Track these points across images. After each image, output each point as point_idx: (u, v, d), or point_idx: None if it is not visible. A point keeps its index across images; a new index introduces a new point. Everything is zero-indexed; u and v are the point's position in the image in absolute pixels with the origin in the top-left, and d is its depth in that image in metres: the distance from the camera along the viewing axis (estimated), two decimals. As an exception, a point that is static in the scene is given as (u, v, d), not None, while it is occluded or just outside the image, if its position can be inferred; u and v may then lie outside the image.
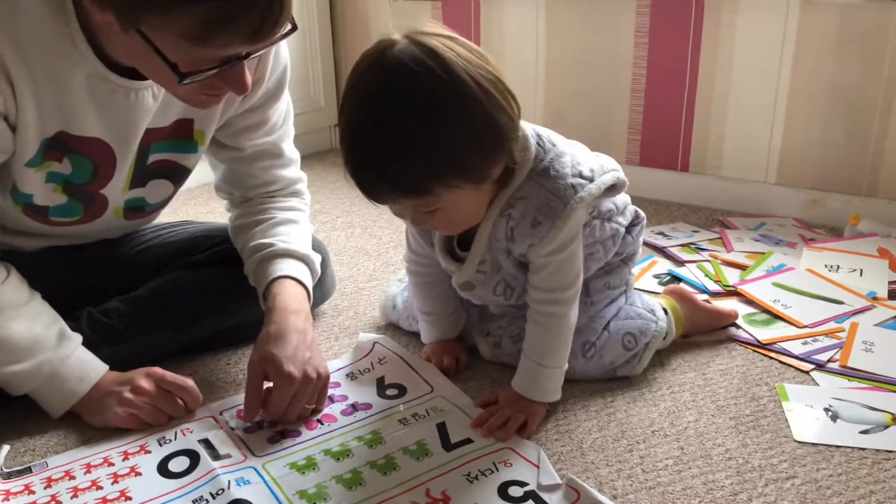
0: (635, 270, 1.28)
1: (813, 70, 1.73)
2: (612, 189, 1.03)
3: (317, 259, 1.19)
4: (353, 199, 2.02)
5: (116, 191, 1.07)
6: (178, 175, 1.14)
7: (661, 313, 1.17)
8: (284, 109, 1.18)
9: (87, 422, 1.04)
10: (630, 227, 1.15)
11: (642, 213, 1.18)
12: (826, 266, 1.46)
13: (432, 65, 0.85)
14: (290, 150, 1.23)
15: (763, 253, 1.55)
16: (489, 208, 1.01)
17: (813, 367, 1.15)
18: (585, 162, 1.02)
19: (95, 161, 1.01)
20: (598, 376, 1.12)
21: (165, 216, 1.31)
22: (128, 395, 1.02)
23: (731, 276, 1.45)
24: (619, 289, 1.17)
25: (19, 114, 0.91)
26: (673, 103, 1.93)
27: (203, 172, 1.24)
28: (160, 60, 0.81)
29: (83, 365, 1.03)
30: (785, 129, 1.80)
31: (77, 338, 1.05)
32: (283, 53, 1.11)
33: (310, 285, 1.15)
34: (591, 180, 1.00)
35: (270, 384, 1.01)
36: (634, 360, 1.12)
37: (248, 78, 0.88)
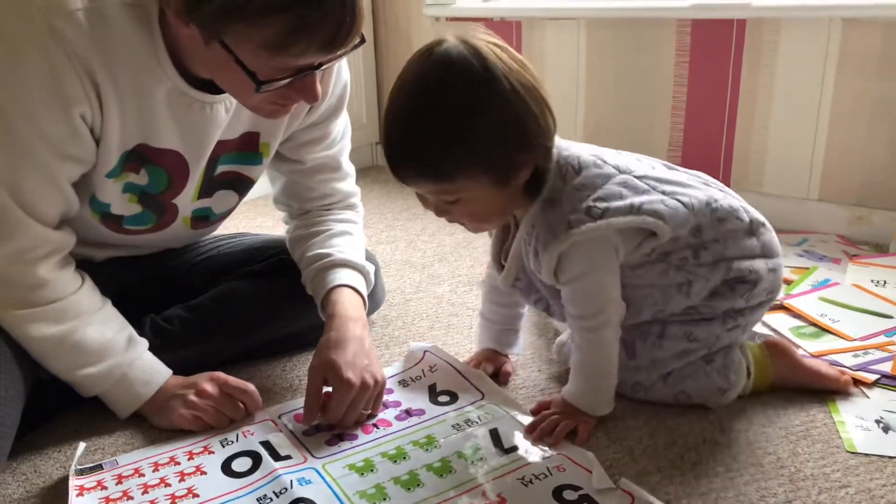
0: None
1: (855, 87, 1.73)
2: (650, 236, 1.00)
3: (371, 269, 1.23)
4: (396, 215, 2.07)
5: (186, 201, 1.12)
6: (242, 186, 1.18)
7: (739, 380, 1.07)
8: (344, 124, 1.23)
9: (152, 423, 1.08)
10: (735, 284, 1.04)
11: (761, 273, 1.05)
12: (872, 281, 1.46)
13: (473, 62, 0.90)
14: (347, 164, 1.27)
15: (807, 268, 1.55)
16: (519, 226, 1.04)
17: (876, 377, 1.14)
18: (614, 196, 0.98)
19: (170, 172, 1.06)
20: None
21: (222, 227, 1.35)
22: (192, 397, 1.06)
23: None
24: (702, 348, 1.06)
25: (104, 126, 0.96)
26: (714, 120, 1.94)
27: (257, 186, 1.28)
28: (239, 70, 0.86)
29: (149, 369, 1.08)
30: (827, 145, 1.81)
31: (144, 343, 1.09)
32: (344, 70, 1.16)
33: (365, 294, 1.19)
34: (599, 217, 0.96)
35: (329, 389, 1.04)
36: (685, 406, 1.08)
37: (319, 88, 0.93)
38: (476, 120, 0.91)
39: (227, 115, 1.05)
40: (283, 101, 0.94)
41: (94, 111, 0.94)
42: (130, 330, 1.09)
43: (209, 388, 1.07)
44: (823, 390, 1.11)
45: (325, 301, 1.14)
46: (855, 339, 1.27)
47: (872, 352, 1.22)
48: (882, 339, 1.26)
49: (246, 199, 1.24)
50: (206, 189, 1.14)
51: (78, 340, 1.02)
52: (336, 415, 1.03)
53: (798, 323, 1.33)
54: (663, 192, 1.01)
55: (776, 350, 1.12)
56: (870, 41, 1.69)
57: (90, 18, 0.89)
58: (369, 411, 1.07)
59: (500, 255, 1.13)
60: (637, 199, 0.99)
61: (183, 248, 1.31)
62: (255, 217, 2.05)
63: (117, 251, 1.19)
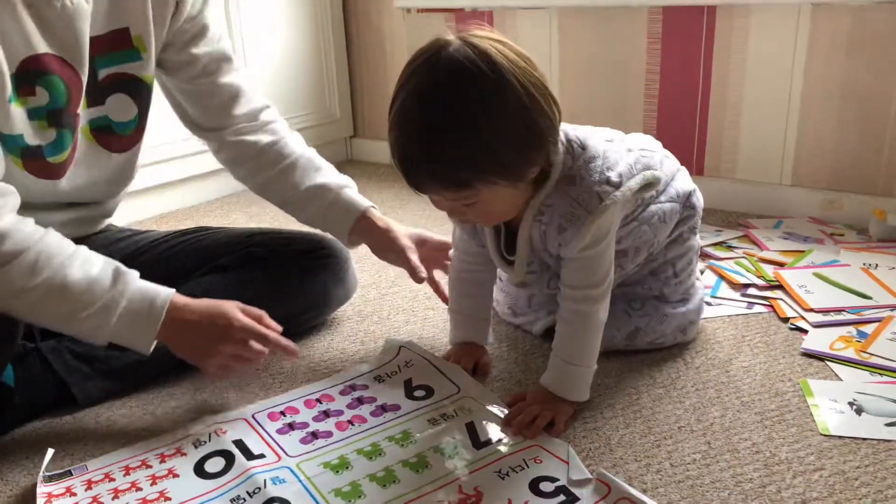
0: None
1: (825, 72, 1.74)
2: (647, 187, 1.06)
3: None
4: (372, 209, 2.05)
5: (81, 111, 1.10)
6: (135, 88, 1.15)
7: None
8: (221, 34, 1.24)
9: (184, 358, 1.07)
10: (688, 219, 1.18)
11: (697, 203, 1.19)
12: (865, 264, 1.49)
13: (483, 67, 0.89)
14: (241, 78, 1.27)
15: (802, 251, 1.58)
16: (525, 212, 1.04)
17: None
18: (617, 164, 1.03)
19: (65, 80, 1.04)
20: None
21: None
22: (233, 330, 1.04)
23: (770, 272, 1.48)
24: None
25: None
26: (687, 108, 1.95)
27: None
28: None
29: (148, 293, 1.02)
30: (799, 131, 1.82)
31: (133, 273, 1.03)
32: (213, 25, 1.20)
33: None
34: (619, 186, 1.01)
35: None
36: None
37: None
38: (493, 128, 0.90)
39: (88, 5, 1.03)
40: None
41: None
42: (115, 263, 1.02)
43: (242, 319, 1.05)
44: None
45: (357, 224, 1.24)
46: (811, 309, 1.32)
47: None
48: (845, 315, 1.31)
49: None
50: (95, 96, 1.11)
51: (60, 285, 0.95)
52: None
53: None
54: (635, 150, 1.10)
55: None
56: (838, 26, 1.70)
57: None
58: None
59: (500, 252, 1.12)
60: (631, 159, 1.06)
61: (149, 244, 1.28)
62: (229, 213, 2.02)
63: (64, 213, 1.15)
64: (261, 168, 1.27)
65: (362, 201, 1.27)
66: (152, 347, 1.03)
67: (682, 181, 1.19)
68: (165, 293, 1.03)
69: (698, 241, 1.24)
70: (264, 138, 1.26)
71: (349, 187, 1.28)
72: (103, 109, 1.14)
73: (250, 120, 1.27)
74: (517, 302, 1.31)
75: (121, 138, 1.19)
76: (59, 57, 1.02)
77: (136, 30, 1.12)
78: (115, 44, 1.10)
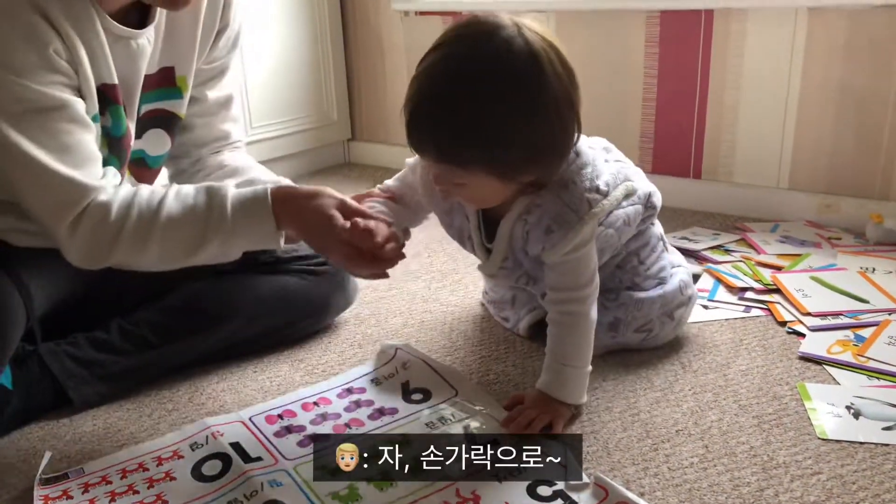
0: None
1: (822, 75, 1.75)
2: (626, 197, 1.09)
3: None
4: (369, 212, 2.05)
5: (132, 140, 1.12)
6: (171, 124, 1.18)
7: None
8: (234, 62, 1.26)
9: (308, 242, 1.05)
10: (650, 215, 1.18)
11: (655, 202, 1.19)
12: (862, 268, 1.49)
13: (529, 67, 0.89)
14: (237, 106, 1.29)
15: (799, 255, 1.58)
16: (510, 209, 1.04)
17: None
18: (602, 173, 1.05)
19: (125, 111, 1.06)
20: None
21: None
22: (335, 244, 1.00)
23: (768, 276, 1.49)
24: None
25: (77, 65, 0.96)
26: (684, 111, 1.95)
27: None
28: None
29: (247, 201, 1.00)
30: (796, 135, 1.82)
31: (224, 187, 1.01)
32: (238, 14, 1.20)
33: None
34: (606, 195, 1.03)
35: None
36: None
37: None
38: (514, 127, 0.90)
39: (150, 46, 1.06)
40: None
41: (63, 47, 0.94)
42: (206, 184, 1.03)
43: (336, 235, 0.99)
44: None
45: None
46: (808, 313, 1.32)
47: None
48: (842, 319, 1.31)
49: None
50: (136, 131, 1.12)
51: (171, 226, 0.98)
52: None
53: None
54: (611, 160, 1.14)
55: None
56: (835, 30, 1.71)
57: None
58: None
59: (481, 238, 1.12)
60: (614, 169, 1.09)
61: None
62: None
63: None
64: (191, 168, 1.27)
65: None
66: (282, 238, 1.01)
67: (643, 184, 1.18)
68: (262, 186, 1.01)
69: (657, 227, 1.24)
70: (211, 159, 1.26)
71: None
72: (140, 143, 1.15)
73: (210, 153, 1.27)
74: (503, 297, 1.32)
75: (150, 170, 1.21)
76: (120, 89, 1.04)
77: (182, 70, 1.13)
78: (161, 82, 1.12)
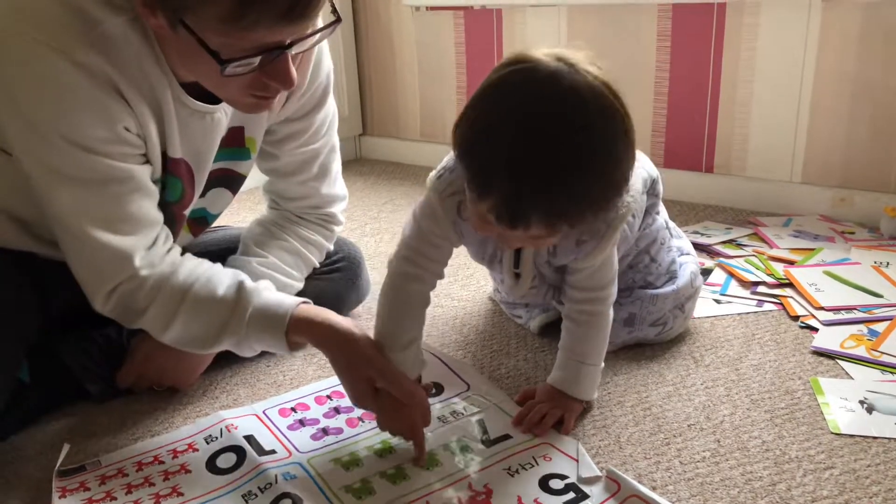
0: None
1: (836, 69, 1.74)
2: (647, 186, 1.07)
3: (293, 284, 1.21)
4: (380, 207, 2.06)
5: (189, 207, 1.11)
6: (234, 183, 1.17)
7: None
8: (327, 117, 1.19)
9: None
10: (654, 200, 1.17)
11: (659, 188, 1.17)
12: (876, 262, 1.49)
13: (606, 114, 0.82)
14: (329, 162, 1.23)
15: (812, 249, 1.57)
16: None
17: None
18: None
19: (184, 182, 1.05)
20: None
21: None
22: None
23: (780, 270, 1.48)
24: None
25: (146, 135, 0.96)
26: (696, 105, 1.94)
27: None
28: (204, 53, 0.83)
29: (268, 314, 1.00)
30: (809, 128, 1.81)
31: (255, 289, 1.01)
32: (325, 60, 1.13)
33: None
34: (628, 191, 0.95)
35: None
36: None
37: (293, 71, 0.88)
38: (613, 169, 0.84)
39: (226, 119, 1.04)
40: (259, 90, 0.91)
41: (135, 122, 0.94)
42: (242, 277, 1.03)
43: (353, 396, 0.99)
44: None
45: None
46: (822, 308, 1.32)
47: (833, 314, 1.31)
48: (856, 313, 1.30)
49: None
50: (202, 191, 1.12)
51: (194, 314, 1.00)
52: None
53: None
54: None
55: None
56: (849, 22, 1.69)
57: (102, 42, 0.88)
58: None
59: (510, 267, 1.09)
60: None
61: None
62: (239, 212, 2.03)
63: None
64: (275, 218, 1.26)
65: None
66: (291, 352, 1.02)
67: (648, 169, 1.16)
68: (282, 315, 1.00)
69: (661, 217, 1.22)
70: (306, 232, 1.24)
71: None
72: (203, 202, 1.15)
73: (302, 217, 1.25)
74: (515, 300, 1.31)
75: (207, 225, 1.21)
76: (187, 163, 1.04)
77: (251, 132, 1.11)
78: (230, 142, 1.10)
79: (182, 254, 1.06)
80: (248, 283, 1.03)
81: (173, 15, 0.83)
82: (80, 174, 0.92)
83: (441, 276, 1.06)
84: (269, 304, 1.01)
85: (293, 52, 0.87)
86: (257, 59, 0.85)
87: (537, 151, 0.79)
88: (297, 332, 0.99)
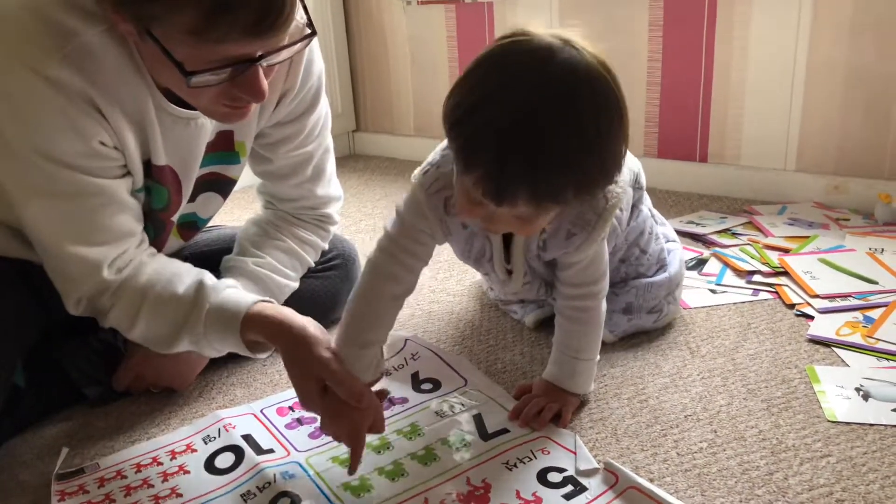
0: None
1: (829, 56, 1.74)
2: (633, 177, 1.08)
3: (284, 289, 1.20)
4: (374, 203, 2.05)
5: (176, 213, 1.10)
6: (224, 187, 1.16)
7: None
8: (319, 119, 1.17)
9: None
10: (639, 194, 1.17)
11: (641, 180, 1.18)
12: (871, 249, 1.49)
13: (604, 85, 0.82)
14: (324, 163, 1.22)
15: (807, 237, 1.58)
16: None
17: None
18: None
19: (170, 190, 1.04)
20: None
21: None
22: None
23: (775, 258, 1.49)
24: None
25: (124, 146, 0.95)
26: (689, 95, 1.94)
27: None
28: (170, 63, 0.82)
29: (225, 315, 0.98)
30: (803, 116, 1.81)
31: (215, 289, 1.00)
32: (317, 61, 1.12)
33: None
34: (616, 182, 0.95)
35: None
36: None
37: (264, 84, 0.87)
38: (605, 150, 0.82)
39: (211, 124, 1.03)
40: (231, 101, 0.89)
41: (111, 135, 0.93)
42: (203, 276, 1.02)
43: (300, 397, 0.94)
44: None
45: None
46: (817, 295, 1.32)
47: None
48: (851, 300, 1.30)
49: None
50: (190, 195, 1.11)
51: (155, 306, 1.00)
52: None
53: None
54: None
55: None
56: (842, 8, 1.69)
57: (77, 56, 0.87)
58: None
59: (502, 262, 1.08)
60: None
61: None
62: (233, 210, 2.03)
63: None
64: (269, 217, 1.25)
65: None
66: (253, 353, 1.01)
67: (630, 163, 1.15)
68: (248, 300, 0.99)
69: (646, 208, 1.22)
70: (301, 232, 1.23)
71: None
72: (193, 206, 1.14)
73: (298, 218, 1.24)
74: (508, 297, 1.32)
75: (198, 230, 1.21)
76: (173, 169, 1.03)
77: (241, 136, 1.10)
78: (219, 146, 1.09)
79: (170, 254, 1.06)
80: (209, 280, 1.02)
81: (140, 24, 0.82)
82: (53, 188, 0.92)
83: (416, 277, 1.04)
84: (227, 302, 1.00)
85: (264, 65, 0.86)
86: (227, 71, 0.84)
87: (526, 124, 0.78)
88: (252, 328, 0.97)
